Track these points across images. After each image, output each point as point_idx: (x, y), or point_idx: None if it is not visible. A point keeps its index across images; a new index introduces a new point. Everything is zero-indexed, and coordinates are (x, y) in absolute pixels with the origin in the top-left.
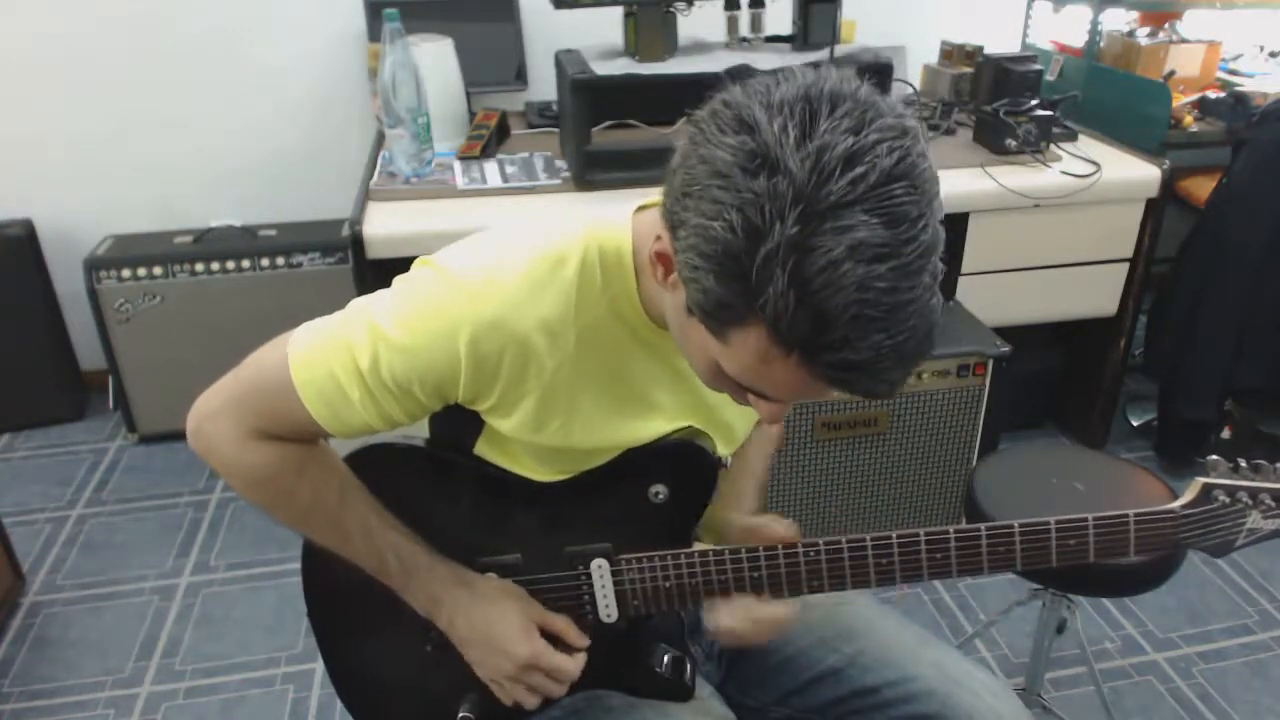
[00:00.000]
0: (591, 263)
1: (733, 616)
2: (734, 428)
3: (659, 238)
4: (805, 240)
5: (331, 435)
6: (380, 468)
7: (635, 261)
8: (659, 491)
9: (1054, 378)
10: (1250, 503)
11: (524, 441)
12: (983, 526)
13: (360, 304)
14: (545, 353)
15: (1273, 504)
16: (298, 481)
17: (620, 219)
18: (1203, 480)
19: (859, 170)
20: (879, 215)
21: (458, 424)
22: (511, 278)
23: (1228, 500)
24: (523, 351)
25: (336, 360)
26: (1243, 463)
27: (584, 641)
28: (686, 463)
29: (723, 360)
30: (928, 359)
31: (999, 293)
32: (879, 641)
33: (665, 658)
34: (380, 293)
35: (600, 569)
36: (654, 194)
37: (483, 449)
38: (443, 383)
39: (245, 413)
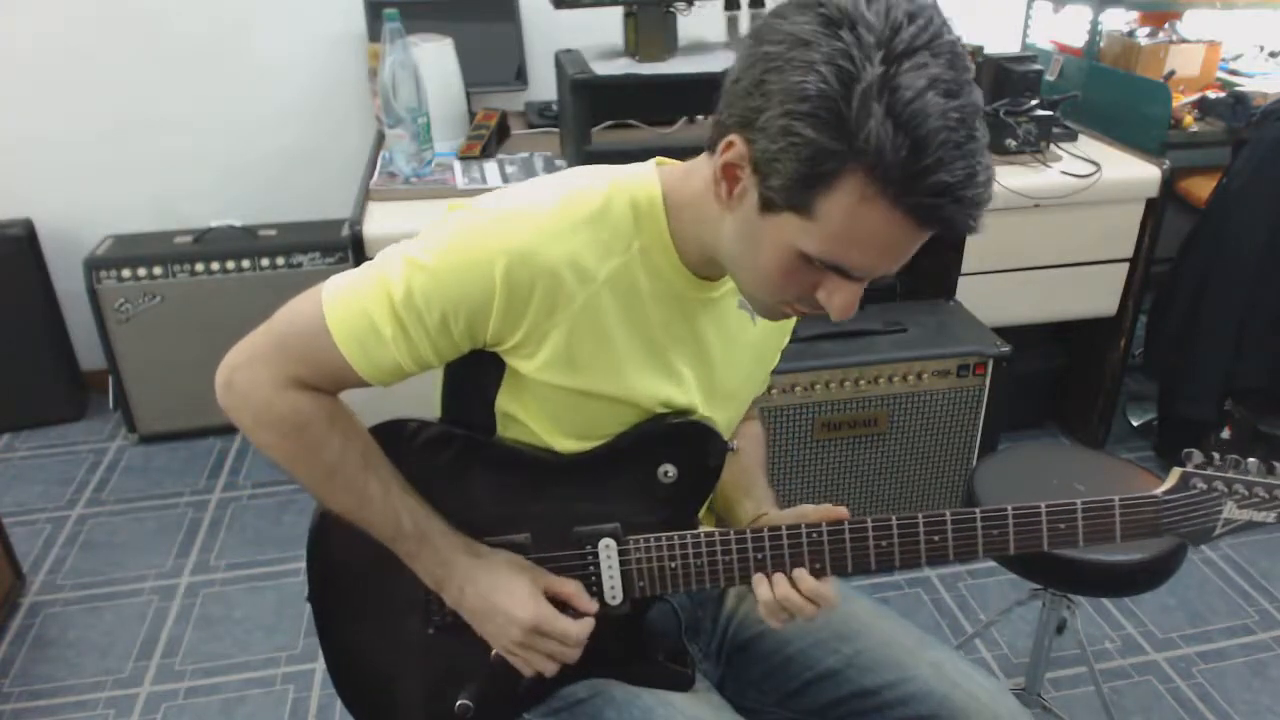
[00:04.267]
0: (621, 209)
1: (779, 588)
2: (725, 391)
3: (729, 145)
4: (893, 78)
5: (363, 381)
6: (393, 444)
7: (668, 208)
8: (668, 470)
9: (1054, 378)
10: (1226, 490)
11: (544, 384)
12: (977, 510)
13: (391, 248)
14: (573, 288)
15: (1245, 493)
16: (328, 433)
17: (645, 171)
18: (1181, 469)
19: (920, 21)
20: (943, 57)
21: (479, 371)
22: (543, 212)
23: (1205, 488)
24: (553, 284)
25: (370, 297)
26: (1218, 456)
27: (593, 606)
28: (696, 444)
29: (806, 240)
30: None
31: (999, 293)
32: (877, 642)
33: (666, 647)
34: (408, 239)
35: (608, 549)
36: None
37: (503, 401)
38: (475, 312)
39: (278, 360)
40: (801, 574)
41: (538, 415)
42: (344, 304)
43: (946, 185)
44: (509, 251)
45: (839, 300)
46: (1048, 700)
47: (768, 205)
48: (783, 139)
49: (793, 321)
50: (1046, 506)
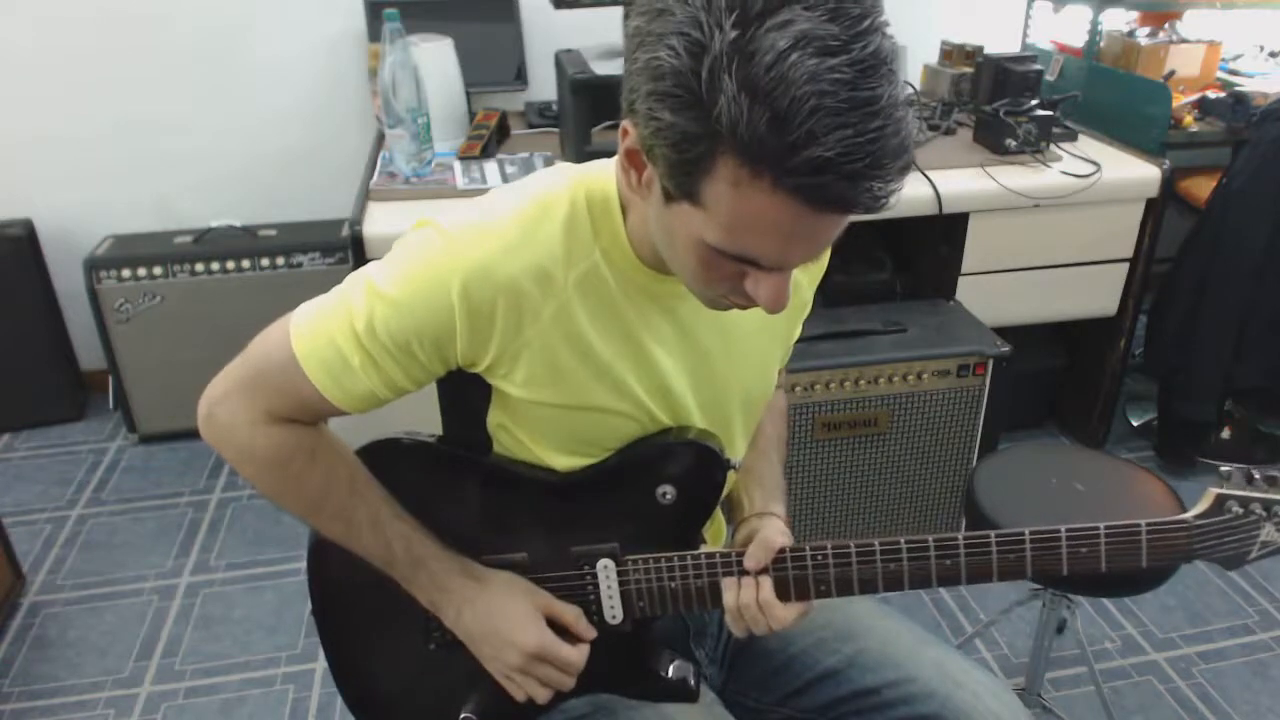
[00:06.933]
0: (581, 209)
1: (744, 594)
2: (728, 383)
3: (625, 131)
4: (747, 43)
5: (339, 410)
6: (388, 464)
7: (623, 204)
8: (667, 492)
9: (1054, 378)
10: (1265, 515)
11: (531, 402)
12: (993, 534)
13: (358, 271)
14: (539, 300)
15: None
16: (310, 466)
17: (604, 167)
18: (1216, 491)
19: None
20: (819, 10)
21: (467, 392)
22: (499, 226)
23: (1241, 512)
24: (515, 299)
25: (336, 327)
26: (1257, 474)
27: (591, 634)
28: (695, 464)
29: (707, 232)
30: (907, 171)
31: (999, 293)
32: (879, 642)
33: (670, 662)
34: (377, 260)
35: (606, 569)
36: None
37: (495, 417)
38: (440, 338)
39: (255, 394)
40: (765, 582)
41: (530, 432)
42: (311, 334)
43: (825, 161)
44: (464, 271)
45: (764, 292)
46: (1048, 700)
47: (667, 195)
48: (650, 124)
49: (810, 285)
50: (1067, 530)
